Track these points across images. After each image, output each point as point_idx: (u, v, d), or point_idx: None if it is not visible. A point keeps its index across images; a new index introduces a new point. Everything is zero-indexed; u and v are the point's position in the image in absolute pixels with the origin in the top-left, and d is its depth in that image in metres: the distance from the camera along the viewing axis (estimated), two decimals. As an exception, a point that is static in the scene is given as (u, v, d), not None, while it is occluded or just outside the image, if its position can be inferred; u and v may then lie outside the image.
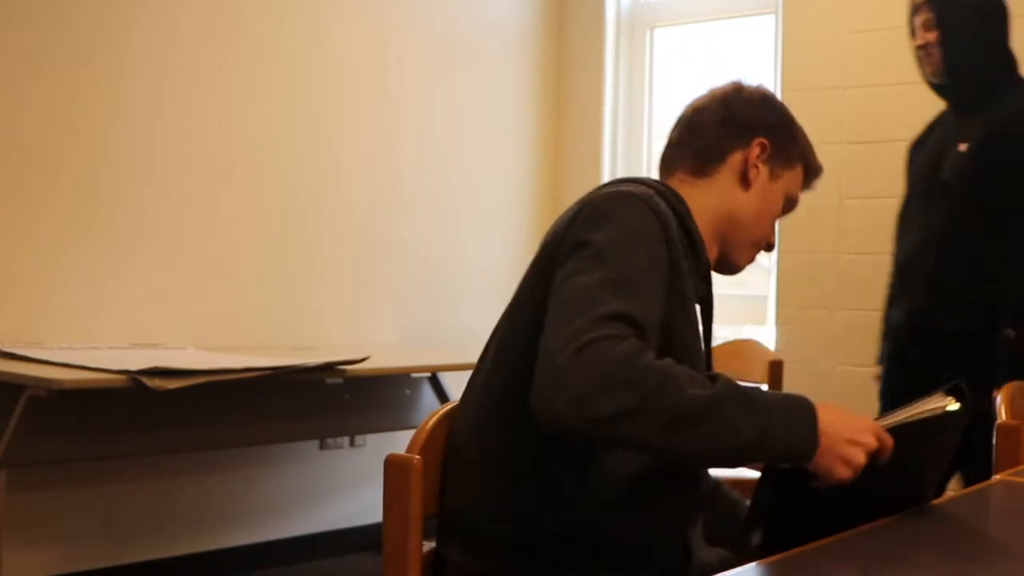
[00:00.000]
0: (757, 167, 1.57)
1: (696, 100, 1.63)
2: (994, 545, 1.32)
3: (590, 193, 1.48)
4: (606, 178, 4.66)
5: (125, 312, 3.30)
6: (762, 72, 4.35)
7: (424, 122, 4.17)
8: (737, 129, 1.58)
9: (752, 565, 1.11)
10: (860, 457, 1.27)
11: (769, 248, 1.63)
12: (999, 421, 1.90)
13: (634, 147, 4.69)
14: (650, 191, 1.45)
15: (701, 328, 1.51)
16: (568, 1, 4.73)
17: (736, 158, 1.57)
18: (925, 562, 1.20)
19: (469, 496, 1.39)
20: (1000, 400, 1.95)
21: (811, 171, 1.66)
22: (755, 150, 1.57)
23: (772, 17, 4.27)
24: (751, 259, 1.63)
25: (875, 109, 3.83)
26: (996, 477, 1.73)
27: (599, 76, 4.62)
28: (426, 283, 4.18)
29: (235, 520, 3.61)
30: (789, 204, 1.64)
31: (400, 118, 4.09)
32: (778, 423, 1.24)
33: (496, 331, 1.46)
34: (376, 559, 3.78)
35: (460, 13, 4.32)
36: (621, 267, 1.30)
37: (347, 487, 3.94)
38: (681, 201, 1.52)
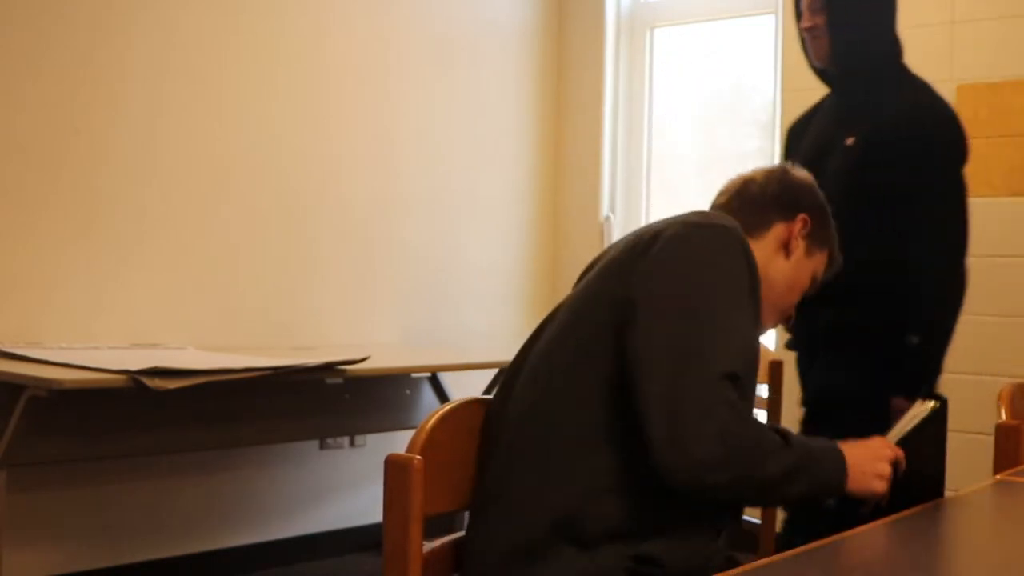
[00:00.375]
0: (798, 239, 1.68)
1: (746, 173, 1.75)
2: (994, 545, 1.32)
3: (670, 223, 1.55)
4: (606, 178, 4.66)
5: (125, 312, 3.30)
6: (762, 72, 4.36)
7: (424, 122, 4.17)
8: (785, 202, 1.69)
9: (767, 562, 1.11)
10: (887, 470, 1.51)
11: (788, 321, 1.74)
12: (999, 421, 1.90)
13: (634, 147, 4.69)
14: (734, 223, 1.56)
15: None
16: (568, 1, 4.72)
17: (780, 228, 1.68)
18: (925, 563, 1.20)
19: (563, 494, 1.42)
20: (1000, 400, 1.95)
21: (833, 260, 1.77)
22: (799, 224, 1.68)
23: (772, 17, 4.27)
24: (773, 325, 1.75)
25: (875, 109, 3.83)
26: (996, 477, 1.73)
27: (599, 76, 4.62)
28: (426, 283, 4.18)
29: (235, 520, 3.61)
30: (813, 284, 1.73)
31: (400, 118, 4.09)
32: (831, 468, 1.46)
33: (549, 340, 1.52)
34: (376, 559, 3.78)
35: (460, 13, 4.32)
36: (722, 311, 1.44)
37: (347, 487, 3.94)
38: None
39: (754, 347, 1.52)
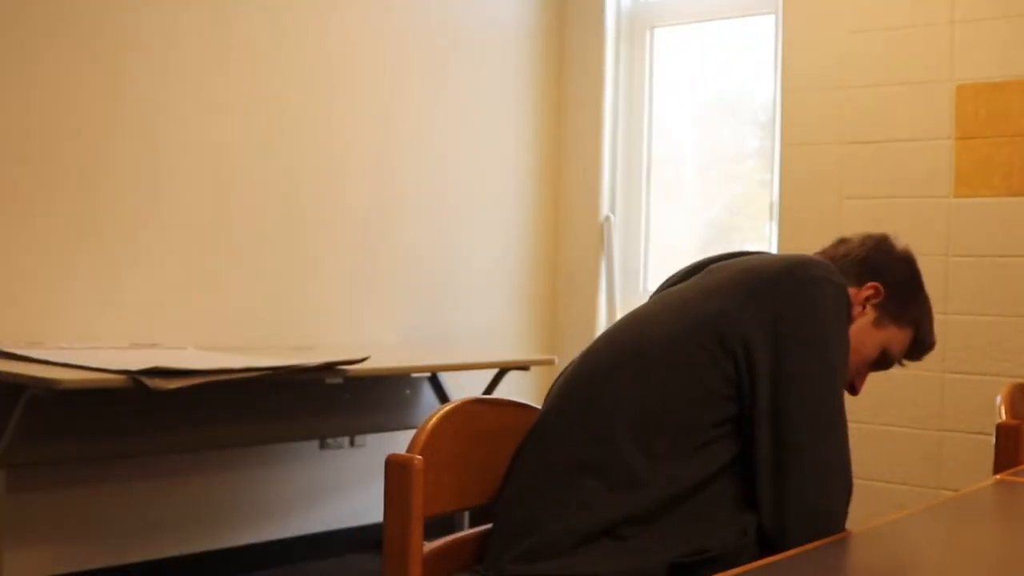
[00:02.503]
0: (863, 307, 1.66)
1: (845, 236, 1.76)
2: (994, 545, 1.32)
3: (771, 259, 1.56)
4: (606, 178, 4.65)
5: (125, 312, 3.30)
6: (762, 72, 4.36)
7: (424, 122, 4.17)
8: (866, 268, 1.68)
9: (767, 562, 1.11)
10: None
11: (852, 392, 1.69)
12: (999, 421, 1.90)
13: (634, 147, 4.69)
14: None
15: None
16: (568, 1, 4.73)
17: (850, 291, 1.63)
18: (925, 562, 1.20)
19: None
20: (1000, 400, 1.95)
21: (920, 342, 1.73)
22: (866, 291, 1.66)
23: (772, 17, 4.27)
24: None
25: (875, 109, 3.83)
26: (996, 477, 1.73)
27: (599, 76, 4.62)
28: (426, 283, 4.18)
29: (235, 520, 3.61)
30: (884, 360, 1.70)
31: (400, 118, 4.09)
32: None
33: (610, 365, 1.53)
34: (376, 559, 3.78)
35: (460, 13, 4.32)
36: (841, 406, 1.50)
37: (347, 487, 3.94)
38: None
39: None
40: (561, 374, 1.62)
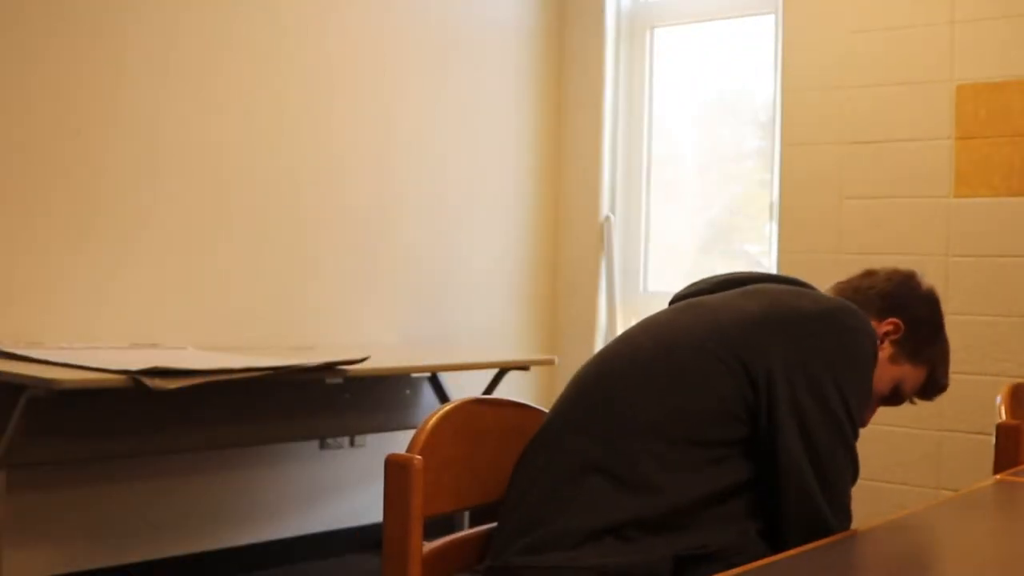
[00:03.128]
0: (882, 341, 1.66)
1: (874, 268, 1.79)
2: (994, 545, 1.32)
3: (803, 298, 1.56)
4: (606, 178, 4.65)
5: (125, 312, 3.30)
6: (762, 72, 4.36)
7: (424, 122, 4.17)
8: (888, 303, 1.69)
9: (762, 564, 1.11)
10: None
11: (860, 425, 1.65)
12: (999, 421, 1.90)
13: (634, 147, 4.69)
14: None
15: None
16: (568, 1, 4.72)
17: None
18: (925, 562, 1.20)
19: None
20: (1000, 400, 1.95)
21: (933, 383, 1.75)
22: (886, 327, 1.67)
23: (772, 17, 4.27)
24: None
25: (875, 109, 3.83)
26: (996, 477, 1.73)
27: (599, 76, 4.62)
28: (426, 283, 4.18)
29: (235, 520, 3.61)
30: (896, 396, 1.72)
31: (400, 118, 4.09)
32: None
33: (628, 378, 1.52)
34: (376, 559, 3.78)
35: (460, 13, 4.32)
36: (853, 437, 1.49)
37: (347, 487, 3.94)
38: None
39: None
40: (577, 374, 1.61)
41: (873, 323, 1.63)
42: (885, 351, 1.66)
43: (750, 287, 1.60)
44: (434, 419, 1.40)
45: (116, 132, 3.29)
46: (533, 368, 3.90)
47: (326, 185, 3.86)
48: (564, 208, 4.73)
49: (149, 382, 2.52)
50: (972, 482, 1.67)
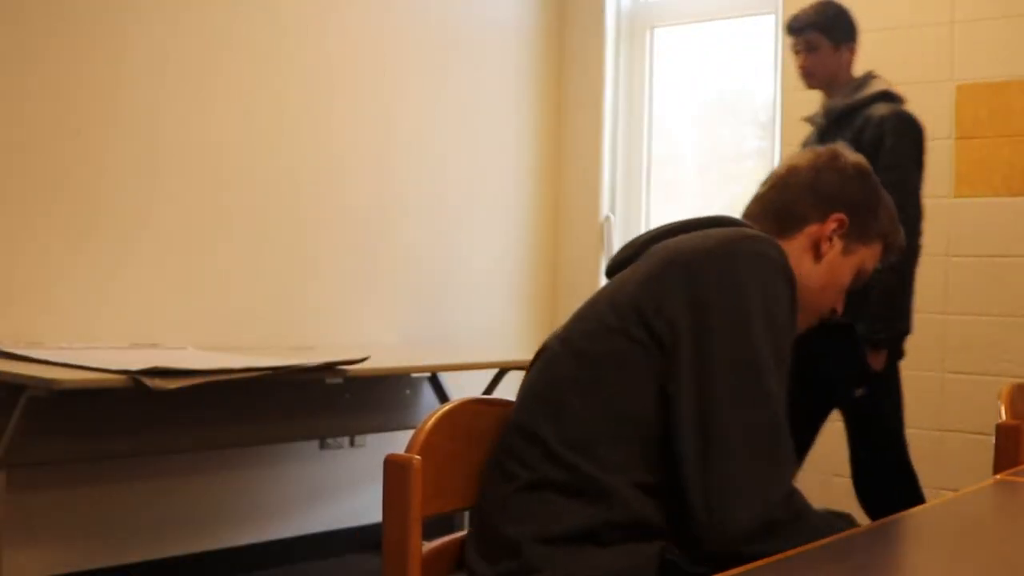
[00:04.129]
0: (831, 240, 1.60)
1: (793, 159, 1.67)
2: (994, 545, 1.32)
3: (707, 239, 1.46)
4: (606, 178, 4.65)
5: (125, 312, 3.30)
6: (762, 72, 4.36)
7: (424, 122, 4.17)
8: (819, 200, 1.61)
9: (740, 570, 1.11)
10: None
11: (833, 315, 1.65)
12: (999, 421, 1.90)
13: (634, 147, 4.69)
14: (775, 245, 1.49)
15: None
16: (568, 1, 4.73)
17: (812, 229, 1.60)
18: (923, 563, 1.20)
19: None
20: (1000, 400, 1.95)
21: (890, 248, 1.68)
22: (831, 225, 1.60)
23: (772, 17, 4.27)
24: (808, 325, 1.63)
25: (875, 109, 3.83)
26: (996, 477, 1.73)
27: (599, 76, 4.62)
28: (426, 283, 4.18)
29: (235, 520, 3.61)
30: (859, 277, 1.66)
31: (400, 118, 4.09)
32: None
33: (551, 361, 1.47)
34: (376, 559, 3.78)
35: (460, 13, 4.32)
36: (767, 365, 1.37)
37: (347, 487, 3.94)
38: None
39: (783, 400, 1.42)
40: (526, 375, 1.55)
41: (814, 227, 1.59)
42: (836, 247, 1.60)
43: (651, 248, 1.51)
44: (434, 419, 1.40)
45: (116, 132, 3.29)
46: (533, 368, 3.89)
47: (326, 185, 3.86)
48: (564, 208, 4.73)
49: (149, 382, 2.52)
50: (972, 482, 1.67)
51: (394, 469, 1.31)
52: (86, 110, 3.22)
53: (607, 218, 4.63)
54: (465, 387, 3.67)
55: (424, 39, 4.16)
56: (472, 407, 1.48)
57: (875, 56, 3.87)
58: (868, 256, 1.65)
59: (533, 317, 4.62)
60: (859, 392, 2.90)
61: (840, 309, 1.65)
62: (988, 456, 1.93)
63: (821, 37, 3.07)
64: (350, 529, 3.92)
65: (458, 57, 4.29)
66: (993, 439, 1.90)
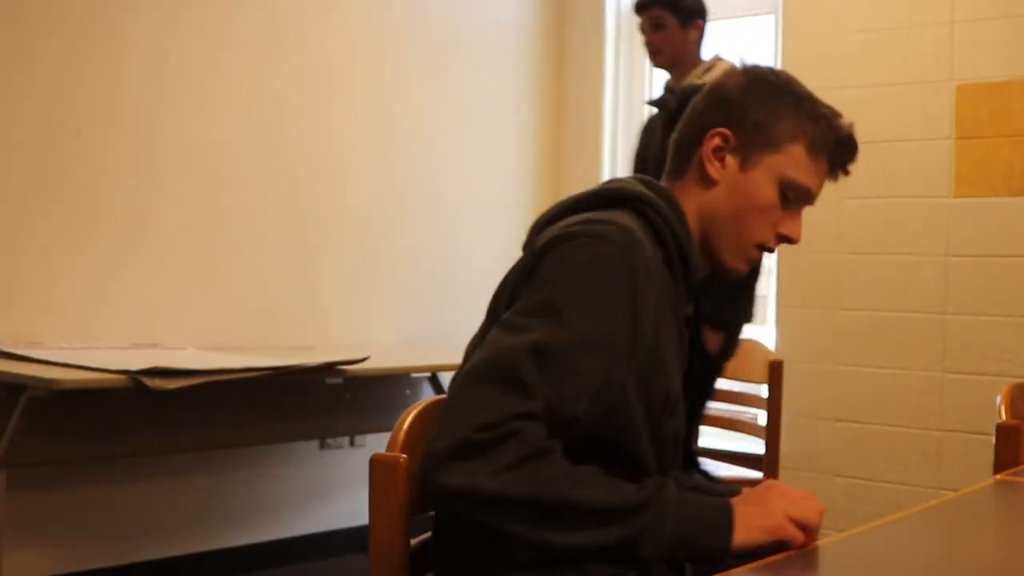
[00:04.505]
0: (716, 161, 1.43)
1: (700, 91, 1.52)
2: (994, 545, 1.32)
3: (556, 232, 1.36)
4: (606, 178, 4.65)
5: (125, 312, 3.30)
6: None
7: (424, 122, 4.17)
8: (697, 123, 1.46)
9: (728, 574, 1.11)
10: (789, 527, 1.23)
11: (768, 250, 1.48)
12: (999, 421, 1.90)
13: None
14: (632, 222, 1.35)
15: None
16: (568, 1, 4.72)
17: (697, 155, 1.45)
18: (925, 562, 1.20)
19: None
20: (1000, 400, 1.95)
21: (819, 146, 1.46)
22: (711, 143, 1.43)
23: (772, 17, 4.27)
24: (744, 260, 1.46)
25: (875, 109, 3.83)
26: (996, 477, 1.73)
27: (599, 76, 4.62)
28: (426, 283, 4.18)
29: (235, 520, 3.61)
30: (795, 190, 1.46)
31: (400, 118, 4.09)
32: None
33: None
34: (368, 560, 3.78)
35: (460, 13, 4.32)
36: (562, 331, 1.24)
37: (347, 487, 3.94)
38: (676, 208, 1.42)
39: (622, 390, 1.27)
40: None
41: (698, 154, 1.44)
42: (730, 165, 1.42)
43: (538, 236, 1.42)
44: (411, 416, 1.39)
45: (116, 132, 3.29)
46: (533, 368, 3.89)
47: (326, 185, 3.85)
48: (564, 208, 4.72)
49: (149, 382, 2.52)
50: (972, 482, 1.67)
51: (380, 468, 1.31)
52: (86, 110, 3.22)
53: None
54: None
55: (424, 39, 4.16)
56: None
57: (875, 56, 3.88)
58: (785, 163, 1.43)
59: (533, 317, 4.61)
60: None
61: (774, 241, 1.47)
62: (988, 456, 1.93)
63: (668, 14, 3.01)
64: (350, 529, 3.92)
65: (458, 57, 4.29)
66: (993, 439, 1.90)
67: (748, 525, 1.22)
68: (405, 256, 4.10)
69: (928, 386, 3.70)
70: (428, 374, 3.81)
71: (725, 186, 1.43)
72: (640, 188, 1.43)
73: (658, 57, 3.08)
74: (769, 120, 1.43)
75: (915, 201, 3.78)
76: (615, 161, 4.67)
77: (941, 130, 3.73)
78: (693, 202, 1.45)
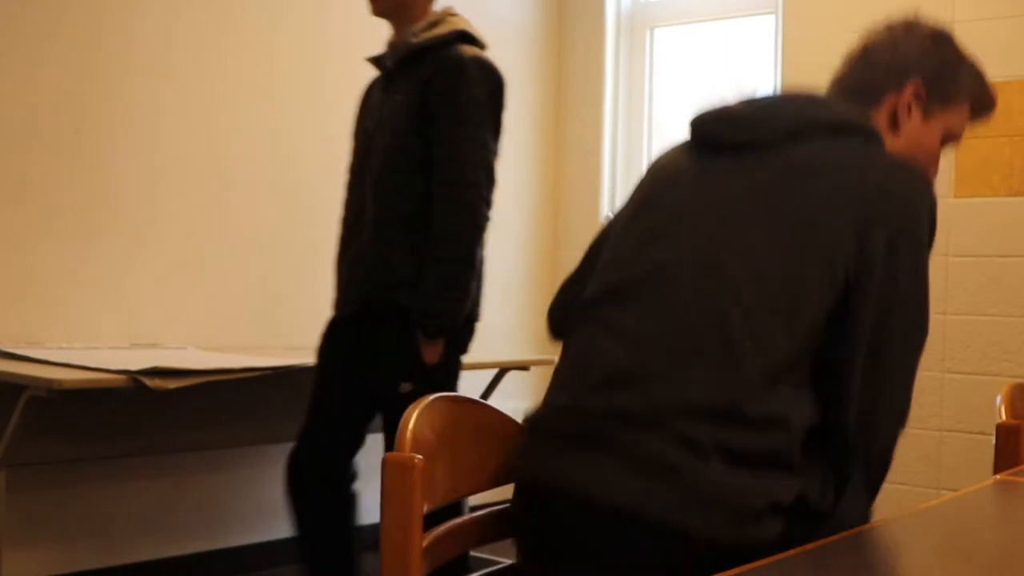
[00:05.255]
0: (908, 110, 1.57)
1: (869, 34, 1.64)
2: (994, 545, 1.32)
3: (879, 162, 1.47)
4: (606, 178, 4.65)
5: (125, 312, 3.30)
6: (762, 72, 4.35)
7: (424, 122, 4.17)
8: (896, 67, 1.58)
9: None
10: None
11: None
12: (999, 421, 1.90)
13: (634, 147, 4.69)
14: None
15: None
16: (568, 1, 4.73)
17: (891, 99, 1.57)
18: (925, 563, 1.20)
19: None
20: (1000, 400, 1.95)
21: (980, 107, 1.64)
22: (908, 93, 1.57)
23: (772, 17, 4.27)
24: None
25: (875, 109, 3.83)
26: (996, 477, 1.73)
27: (599, 76, 4.62)
28: (426, 283, 4.18)
29: (235, 520, 3.61)
30: (950, 139, 1.62)
31: (400, 118, 4.08)
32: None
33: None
34: (376, 559, 3.77)
35: (460, 13, 4.31)
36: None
37: (347, 487, 3.93)
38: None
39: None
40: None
41: (892, 97, 1.57)
42: (914, 117, 1.57)
43: (800, 157, 1.45)
44: (414, 416, 1.38)
45: (116, 132, 3.29)
46: (533, 368, 3.89)
47: (327, 184, 3.85)
48: (564, 208, 4.73)
49: (149, 382, 2.52)
50: (972, 482, 1.67)
51: (394, 468, 1.30)
52: (86, 110, 3.22)
53: (607, 218, 4.63)
54: (464, 387, 3.66)
55: (424, 39, 4.16)
56: (440, 404, 1.46)
57: (875, 56, 3.88)
58: (953, 120, 1.61)
59: (533, 317, 4.61)
60: (405, 388, 2.49)
61: (934, 174, 1.61)
62: (988, 456, 1.93)
63: None
64: (350, 529, 3.92)
65: (458, 57, 4.29)
66: (993, 439, 1.90)
67: None
68: (405, 256, 4.09)
69: (928, 386, 3.70)
70: (428, 374, 3.80)
71: (907, 133, 1.57)
72: (872, 126, 1.52)
73: (376, 4, 2.70)
74: (952, 80, 1.60)
75: (915, 201, 3.78)
76: (615, 161, 4.67)
77: (941, 130, 3.73)
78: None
